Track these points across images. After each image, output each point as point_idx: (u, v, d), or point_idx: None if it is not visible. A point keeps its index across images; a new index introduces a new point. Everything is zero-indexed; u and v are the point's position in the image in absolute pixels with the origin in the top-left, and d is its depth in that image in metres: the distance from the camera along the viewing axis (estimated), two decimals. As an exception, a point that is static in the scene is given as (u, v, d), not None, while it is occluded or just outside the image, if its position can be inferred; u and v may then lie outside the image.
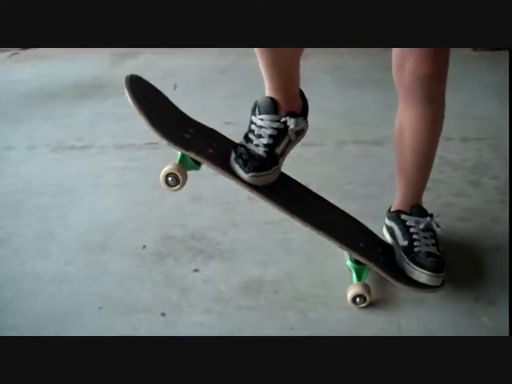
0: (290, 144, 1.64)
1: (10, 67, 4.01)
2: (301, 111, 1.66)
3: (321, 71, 3.54)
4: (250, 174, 1.53)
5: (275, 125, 1.59)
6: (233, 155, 1.57)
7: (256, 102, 1.62)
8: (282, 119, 1.59)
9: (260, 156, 1.58)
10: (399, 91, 1.66)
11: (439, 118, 1.69)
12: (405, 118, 1.69)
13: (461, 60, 3.49)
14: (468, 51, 3.91)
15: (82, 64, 3.99)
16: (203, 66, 3.82)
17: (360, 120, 2.87)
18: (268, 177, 1.57)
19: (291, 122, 1.59)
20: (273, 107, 1.58)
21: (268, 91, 1.60)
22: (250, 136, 1.61)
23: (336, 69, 3.55)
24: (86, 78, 3.72)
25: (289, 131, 1.60)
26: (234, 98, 3.20)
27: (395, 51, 1.62)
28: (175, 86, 3.17)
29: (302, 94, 1.69)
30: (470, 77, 3.32)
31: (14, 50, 4.25)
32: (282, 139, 1.61)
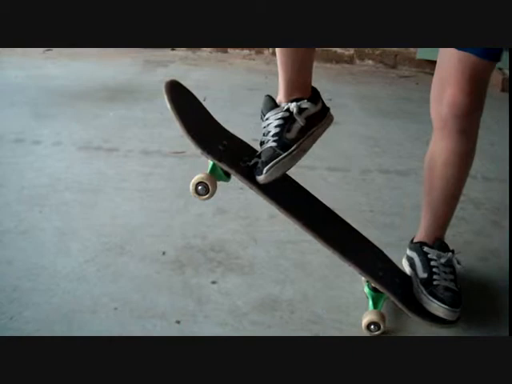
0: (307, 130, 1.60)
1: (42, 63, 4.05)
2: (309, 98, 1.62)
3: (350, 99, 3.55)
4: (264, 175, 1.53)
5: (279, 115, 1.57)
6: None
7: (261, 109, 1.62)
8: (285, 108, 1.57)
9: (270, 148, 1.56)
10: (434, 122, 1.67)
11: (471, 151, 1.70)
12: (437, 148, 1.69)
13: (488, 100, 3.50)
14: (496, 91, 3.91)
15: (114, 68, 4.02)
16: (232, 82, 3.83)
17: (386, 149, 2.87)
18: (282, 163, 1.55)
19: (293, 106, 1.56)
20: (273, 102, 1.59)
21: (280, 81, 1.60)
22: (262, 139, 1.61)
23: (365, 97, 3.56)
24: (116, 81, 3.74)
25: (294, 116, 1.57)
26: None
27: (435, 82, 1.63)
28: (205, 98, 3.19)
29: (314, 89, 1.67)
30: (496, 117, 3.32)
31: (47, 47, 4.28)
32: (289, 125, 1.57)
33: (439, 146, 1.69)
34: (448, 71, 1.58)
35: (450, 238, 1.83)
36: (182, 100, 1.59)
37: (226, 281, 1.84)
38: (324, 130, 1.66)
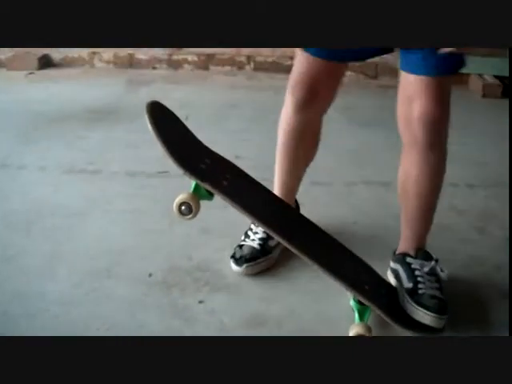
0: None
1: (25, 87, 4.04)
2: None
3: (331, 109, 3.57)
4: (243, 267, 1.91)
5: None
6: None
7: None
8: None
9: (253, 248, 1.93)
10: (404, 139, 1.70)
11: (442, 165, 1.73)
12: (408, 165, 1.73)
13: (468, 105, 3.53)
14: (477, 97, 3.94)
15: (96, 88, 4.02)
16: (215, 99, 3.83)
17: (368, 160, 2.89)
18: (260, 266, 1.93)
19: None
20: None
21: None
22: (249, 233, 1.99)
23: (346, 108, 3.58)
24: (99, 102, 3.73)
25: None
26: (245, 132, 3.21)
27: (401, 100, 1.66)
28: (186, 117, 3.20)
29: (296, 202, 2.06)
30: (477, 122, 3.37)
31: (30, 70, 4.28)
32: None
33: (410, 163, 1.72)
34: (413, 88, 1.61)
35: (434, 246, 1.85)
36: (164, 120, 1.61)
37: (213, 300, 1.85)
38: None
